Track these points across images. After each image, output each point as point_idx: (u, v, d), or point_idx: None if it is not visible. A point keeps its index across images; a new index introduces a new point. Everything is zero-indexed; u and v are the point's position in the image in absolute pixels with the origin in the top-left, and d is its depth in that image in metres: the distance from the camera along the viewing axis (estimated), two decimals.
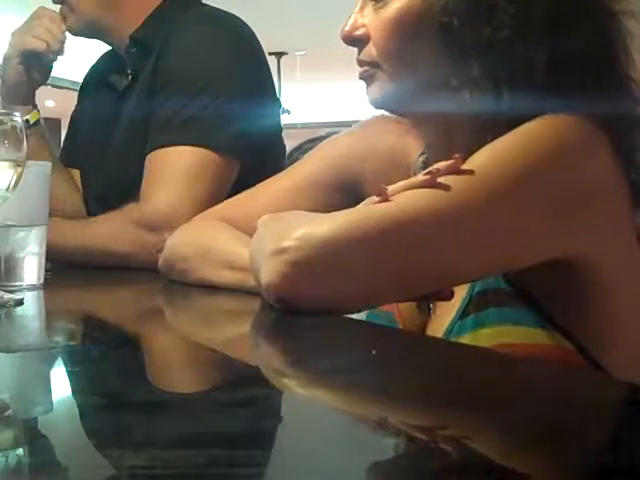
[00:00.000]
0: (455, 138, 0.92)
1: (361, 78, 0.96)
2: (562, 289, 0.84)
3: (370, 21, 0.94)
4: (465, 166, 0.79)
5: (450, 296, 0.83)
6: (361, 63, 0.96)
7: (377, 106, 0.98)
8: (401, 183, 0.81)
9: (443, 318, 0.91)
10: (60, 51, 1.52)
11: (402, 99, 0.95)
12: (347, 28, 0.95)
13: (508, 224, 0.81)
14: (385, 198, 0.79)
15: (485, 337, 0.85)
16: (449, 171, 0.79)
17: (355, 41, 0.95)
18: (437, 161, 0.83)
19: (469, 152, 0.82)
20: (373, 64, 0.94)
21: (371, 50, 0.94)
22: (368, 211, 0.80)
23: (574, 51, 0.86)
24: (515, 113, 0.84)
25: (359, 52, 0.96)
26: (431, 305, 0.95)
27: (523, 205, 0.81)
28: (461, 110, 0.88)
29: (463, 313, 0.88)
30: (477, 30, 0.86)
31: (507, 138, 0.82)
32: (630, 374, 0.84)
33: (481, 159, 0.81)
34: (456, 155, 0.80)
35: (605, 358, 0.84)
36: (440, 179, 0.78)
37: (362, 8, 0.95)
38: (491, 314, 0.86)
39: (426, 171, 0.80)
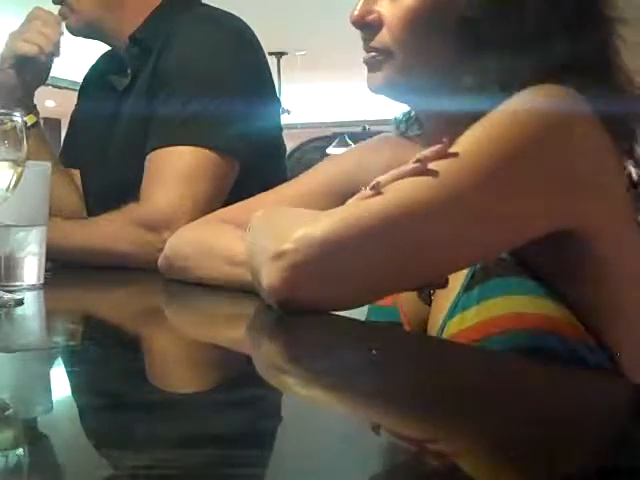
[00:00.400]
0: (456, 135, 0.92)
1: (366, 63, 0.95)
2: (562, 261, 0.84)
3: (387, 8, 0.93)
4: (453, 149, 0.79)
5: (445, 284, 0.83)
6: (370, 49, 0.94)
7: (378, 92, 0.96)
8: (392, 172, 0.80)
9: (447, 294, 0.91)
10: (55, 53, 1.51)
11: (408, 90, 0.95)
12: (357, 12, 0.94)
13: (501, 203, 0.80)
14: (377, 191, 0.79)
15: (492, 308, 0.85)
16: (437, 156, 0.78)
17: (365, 26, 0.94)
18: None
19: None
20: (384, 51, 0.93)
21: (385, 37, 0.93)
22: (363, 208, 0.80)
23: (592, 50, 0.86)
24: None
25: (367, 38, 0.94)
26: (432, 294, 0.95)
27: (514, 183, 0.80)
28: (466, 108, 0.88)
29: (467, 287, 0.88)
30: (502, 26, 0.86)
31: (493, 116, 0.81)
32: (631, 348, 0.84)
33: (468, 140, 0.80)
34: (443, 139, 0.79)
35: (606, 330, 0.84)
36: (429, 165, 0.78)
37: None
38: (496, 284, 0.86)
39: (415, 159, 0.80)
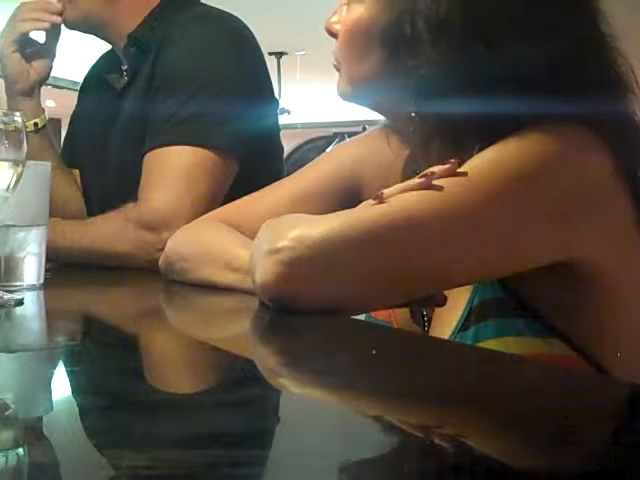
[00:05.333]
0: (426, 138, 0.92)
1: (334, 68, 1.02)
2: (563, 296, 0.84)
3: (340, 21, 0.99)
4: (462, 169, 0.80)
5: (443, 302, 0.83)
6: (334, 56, 1.02)
7: (342, 99, 1.02)
8: (397, 186, 0.81)
9: (442, 331, 0.91)
10: (57, 25, 1.52)
11: (358, 98, 1.01)
12: (330, 20, 1.01)
13: (503, 226, 0.81)
14: (381, 200, 0.79)
15: None
16: (445, 174, 0.79)
17: (332, 34, 1.01)
18: (418, 162, 0.84)
19: (446, 157, 0.83)
20: (337, 60, 1.00)
21: (336, 47, 1.00)
22: (363, 213, 0.80)
23: (550, 60, 0.85)
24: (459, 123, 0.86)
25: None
26: (426, 318, 0.95)
27: (518, 208, 0.81)
28: (408, 113, 0.90)
29: (463, 326, 0.88)
30: (419, 50, 0.87)
31: (503, 144, 0.82)
32: (633, 378, 0.84)
33: (477, 163, 0.81)
34: (452, 160, 0.80)
35: (609, 363, 0.84)
36: (435, 182, 0.78)
37: (346, 4, 0.99)
38: (491, 326, 0.86)
39: (421, 174, 0.81)
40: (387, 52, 0.91)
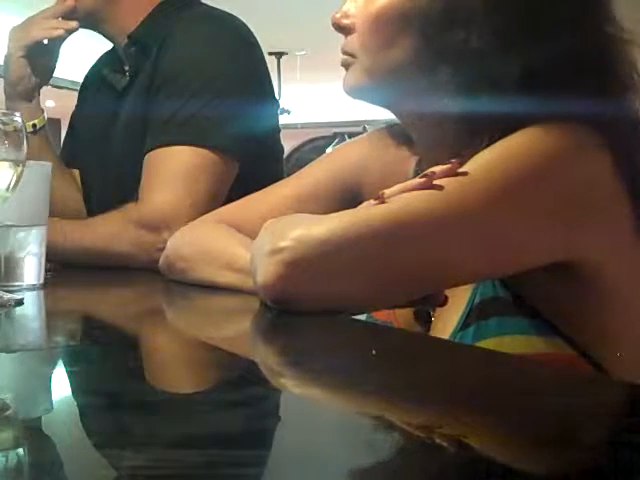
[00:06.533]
0: (443, 136, 0.92)
1: (342, 65, 0.99)
2: (563, 296, 0.84)
3: (358, 12, 0.96)
4: (463, 169, 0.80)
5: (444, 301, 0.83)
6: (343, 51, 0.99)
7: (350, 94, 0.99)
8: (398, 186, 0.81)
9: (443, 330, 0.91)
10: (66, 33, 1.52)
11: (375, 93, 0.98)
12: (338, 15, 0.98)
13: (504, 225, 0.81)
14: (382, 201, 0.79)
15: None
16: (445, 174, 0.79)
17: (341, 29, 0.98)
18: (429, 160, 0.83)
19: (459, 153, 0.83)
20: (353, 55, 0.97)
21: (352, 42, 0.96)
22: (364, 213, 0.80)
23: (551, 59, 0.85)
24: (487, 118, 0.85)
25: (345, 40, 0.98)
26: (431, 314, 0.95)
27: (519, 207, 0.81)
28: (430, 111, 0.89)
29: (464, 324, 0.88)
30: (452, 38, 0.86)
31: (504, 143, 0.82)
32: (633, 377, 0.84)
33: (478, 162, 0.81)
34: (452, 160, 0.80)
35: (608, 362, 0.84)
36: (436, 181, 0.78)
37: None
38: (492, 325, 0.86)
39: (422, 174, 0.81)
40: (421, 36, 0.89)
